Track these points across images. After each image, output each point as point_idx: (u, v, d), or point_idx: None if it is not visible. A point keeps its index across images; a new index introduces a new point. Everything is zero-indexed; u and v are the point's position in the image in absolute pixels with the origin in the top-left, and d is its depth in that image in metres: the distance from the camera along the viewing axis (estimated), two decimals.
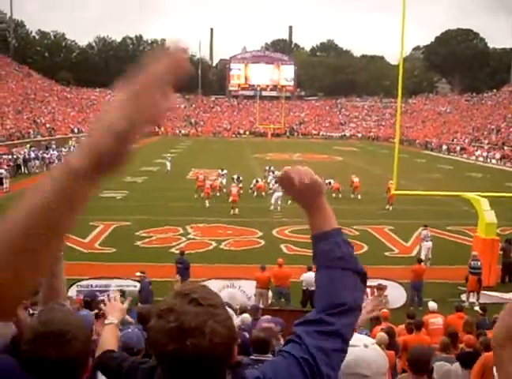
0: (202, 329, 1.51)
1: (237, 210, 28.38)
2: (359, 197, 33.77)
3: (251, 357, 5.37)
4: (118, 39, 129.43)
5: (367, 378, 2.43)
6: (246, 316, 9.49)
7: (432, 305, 13.04)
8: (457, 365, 5.42)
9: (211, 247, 22.42)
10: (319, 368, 1.69)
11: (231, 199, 29.23)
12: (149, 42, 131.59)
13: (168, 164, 45.79)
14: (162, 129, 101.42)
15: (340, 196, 33.68)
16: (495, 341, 2.73)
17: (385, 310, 12.14)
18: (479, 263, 17.58)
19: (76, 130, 74.01)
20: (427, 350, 5.69)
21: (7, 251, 1.03)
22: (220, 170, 38.16)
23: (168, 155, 48.08)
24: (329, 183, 34.89)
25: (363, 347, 2.46)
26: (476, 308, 13.45)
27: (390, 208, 31.11)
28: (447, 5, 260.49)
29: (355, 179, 34.67)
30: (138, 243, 22.74)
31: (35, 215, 1.05)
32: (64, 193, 1.07)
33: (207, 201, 30.86)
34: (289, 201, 31.02)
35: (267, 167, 40.22)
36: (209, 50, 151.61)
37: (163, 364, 1.58)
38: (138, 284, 16.06)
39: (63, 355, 1.83)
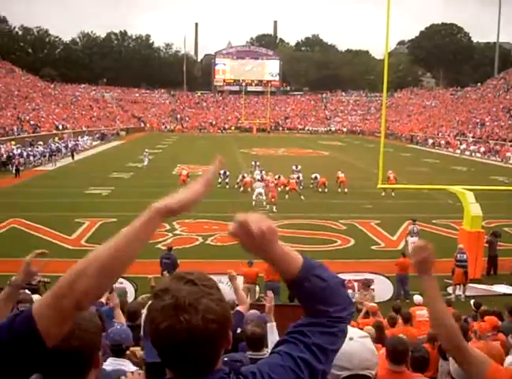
0: (196, 306, 1.56)
1: None
2: (346, 190, 33.69)
3: (247, 354, 5.26)
4: (103, 35, 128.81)
5: (349, 371, 2.41)
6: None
7: (418, 298, 13.08)
8: None
9: (197, 243, 22.38)
10: (318, 366, 1.71)
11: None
12: (134, 37, 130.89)
13: (146, 160, 45.64)
14: (148, 125, 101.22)
15: (326, 190, 33.77)
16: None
17: (373, 305, 12.17)
18: (465, 256, 17.67)
19: (60, 127, 73.34)
20: (403, 341, 5.69)
21: (99, 267, 1.58)
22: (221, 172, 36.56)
23: (146, 150, 47.78)
24: (315, 178, 35.05)
25: (347, 340, 2.44)
26: (471, 302, 13.51)
27: (385, 193, 32.02)
28: (432, 0, 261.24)
29: (341, 175, 34.49)
30: None
31: (122, 245, 1.61)
32: (144, 228, 1.63)
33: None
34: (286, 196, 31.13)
35: (253, 163, 40.15)
36: (194, 45, 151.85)
37: (157, 343, 1.61)
38: (124, 280, 15.98)
39: (70, 346, 1.86)
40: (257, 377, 1.66)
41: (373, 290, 16.48)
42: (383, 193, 31.96)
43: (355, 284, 15.94)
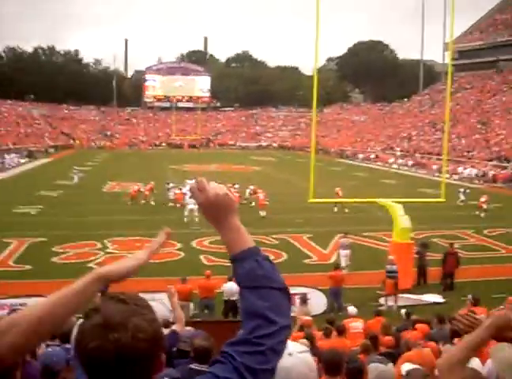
0: (126, 324, 1.51)
1: None
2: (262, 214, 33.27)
3: (191, 366, 5.28)
4: (30, 50, 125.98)
5: None
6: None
7: (352, 310, 13.25)
8: (390, 365, 5.53)
9: None
10: None
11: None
12: (62, 53, 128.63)
13: (75, 177, 45.07)
14: (77, 142, 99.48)
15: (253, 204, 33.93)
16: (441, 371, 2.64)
17: (308, 318, 12.26)
18: (395, 267, 18.03)
19: None
20: (338, 353, 5.76)
21: (31, 328, 1.54)
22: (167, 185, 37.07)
23: (75, 167, 47.20)
24: (253, 192, 35.27)
25: (286, 356, 2.43)
26: (402, 311, 13.81)
27: (341, 210, 32.85)
28: (359, 18, 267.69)
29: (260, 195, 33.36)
30: (55, 259, 22.14)
31: (55, 306, 1.58)
32: (82, 291, 1.62)
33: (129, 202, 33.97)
34: None
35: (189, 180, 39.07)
36: (124, 61, 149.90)
37: (86, 364, 1.54)
38: None
39: None
40: None
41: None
42: (335, 209, 32.87)
43: (296, 299, 15.95)
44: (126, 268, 1.75)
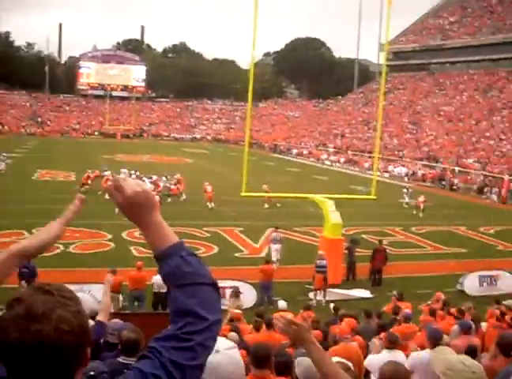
0: (49, 316, 1.45)
1: None
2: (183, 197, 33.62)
3: (119, 359, 5.21)
4: None
5: None
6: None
7: (282, 304, 13.36)
8: None
9: (58, 251, 21.55)
10: None
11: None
12: None
13: (2, 164, 43.83)
14: (6, 127, 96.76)
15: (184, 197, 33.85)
16: None
17: (238, 311, 12.28)
18: (324, 262, 18.26)
19: None
20: (266, 346, 5.81)
21: None
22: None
23: (3, 154, 45.93)
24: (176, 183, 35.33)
25: (213, 352, 2.41)
26: (330, 306, 14.03)
27: (266, 205, 32.64)
28: (298, 14, 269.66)
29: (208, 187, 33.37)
30: None
31: None
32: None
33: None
34: None
35: (124, 170, 38.42)
36: (58, 46, 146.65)
37: (6, 357, 1.47)
38: None
39: None
40: None
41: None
42: (266, 206, 32.73)
43: (228, 292, 15.93)
44: (41, 241, 1.70)
